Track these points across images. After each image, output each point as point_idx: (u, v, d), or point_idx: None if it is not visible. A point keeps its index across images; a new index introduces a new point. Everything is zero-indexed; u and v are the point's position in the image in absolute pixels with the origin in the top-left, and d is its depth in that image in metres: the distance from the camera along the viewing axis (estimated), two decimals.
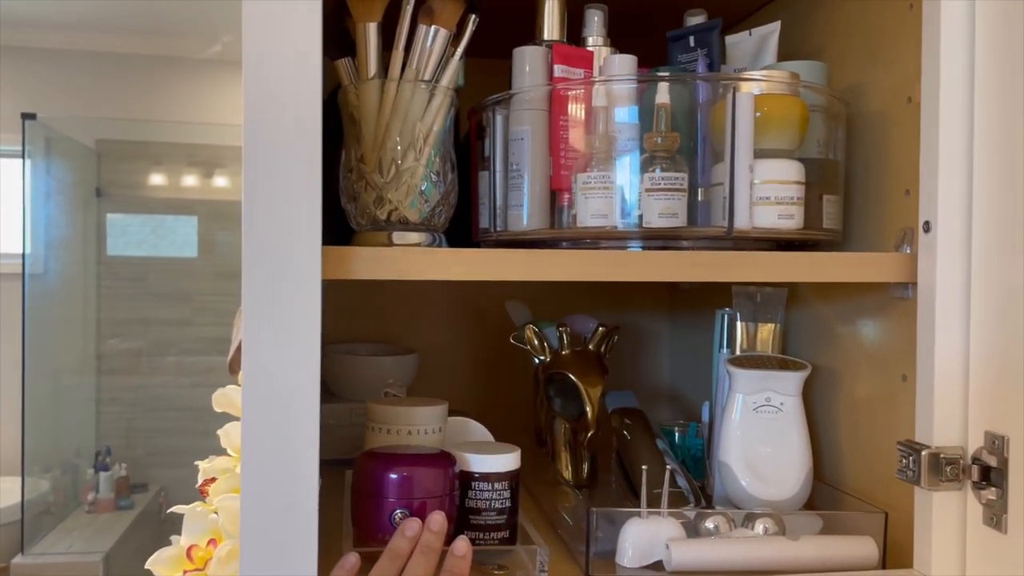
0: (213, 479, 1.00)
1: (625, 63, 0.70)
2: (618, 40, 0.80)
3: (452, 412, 0.85)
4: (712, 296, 0.88)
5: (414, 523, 0.59)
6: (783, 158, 0.67)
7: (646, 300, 1.19)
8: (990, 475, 0.60)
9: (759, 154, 0.66)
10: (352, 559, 0.58)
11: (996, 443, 0.60)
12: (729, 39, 0.81)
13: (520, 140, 0.72)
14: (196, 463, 1.01)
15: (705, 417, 0.93)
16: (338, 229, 0.74)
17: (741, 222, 0.65)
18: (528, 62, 0.72)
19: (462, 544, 0.59)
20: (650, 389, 1.18)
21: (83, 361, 3.65)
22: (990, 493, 0.60)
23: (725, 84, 0.66)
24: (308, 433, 0.55)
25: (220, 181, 3.87)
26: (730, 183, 0.65)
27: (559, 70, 0.70)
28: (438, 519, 0.60)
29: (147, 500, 3.50)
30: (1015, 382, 0.58)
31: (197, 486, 1.02)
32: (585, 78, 0.71)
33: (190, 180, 3.99)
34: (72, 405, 3.59)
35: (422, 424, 0.74)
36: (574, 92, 0.69)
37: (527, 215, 0.72)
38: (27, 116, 3.22)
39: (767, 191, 0.66)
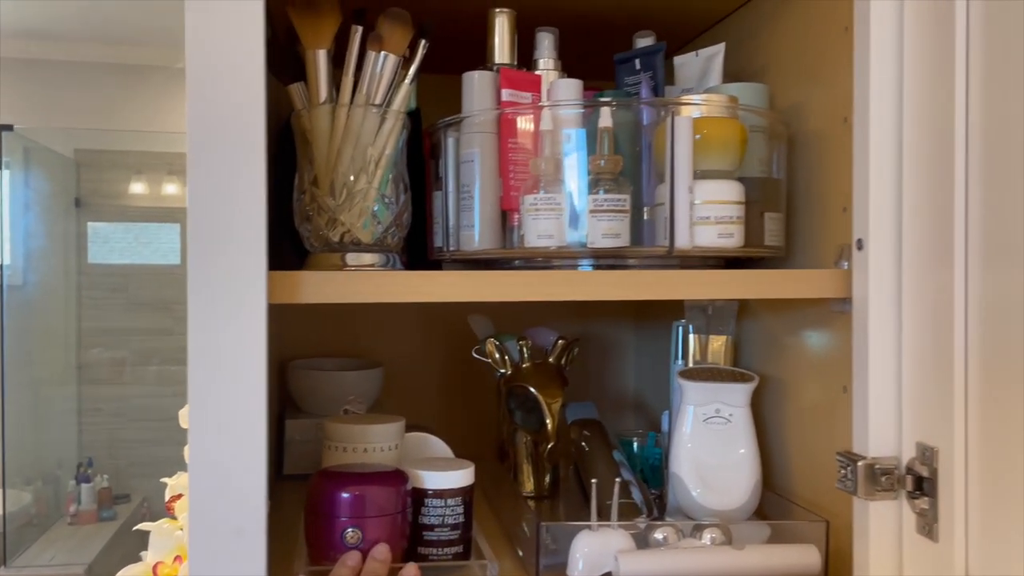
0: (180, 495, 1.01)
1: (571, 87, 0.71)
2: (572, 59, 0.82)
3: (414, 427, 0.87)
4: (675, 306, 0.90)
5: (355, 555, 0.61)
6: (723, 179, 0.69)
7: (612, 310, 1.21)
8: (923, 485, 0.62)
9: (700, 175, 0.68)
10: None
11: (927, 454, 0.62)
12: (677, 60, 0.83)
13: (470, 162, 0.73)
14: (162, 480, 1.02)
15: (665, 426, 0.95)
16: (302, 250, 0.75)
17: (681, 241, 0.67)
18: (476, 86, 0.74)
19: (410, 571, 0.61)
20: (616, 398, 1.20)
21: (64, 371, 3.65)
22: (923, 503, 0.62)
23: (665, 108, 0.68)
24: (255, 458, 0.56)
25: None
26: (670, 204, 0.67)
27: (507, 94, 0.72)
28: (382, 549, 0.62)
29: (130, 511, 3.49)
30: (942, 394, 0.60)
31: (165, 502, 1.03)
32: (532, 102, 0.72)
33: (171, 188, 3.99)
34: (53, 416, 3.58)
35: (377, 442, 0.75)
36: (521, 116, 0.71)
37: (478, 235, 0.74)
38: (4, 127, 3.21)
39: (707, 211, 0.67)
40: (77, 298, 3.69)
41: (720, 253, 0.69)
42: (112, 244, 3.88)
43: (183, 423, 0.98)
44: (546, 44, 0.79)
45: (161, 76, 3.51)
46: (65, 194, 3.64)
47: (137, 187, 3.93)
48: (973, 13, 0.58)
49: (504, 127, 0.72)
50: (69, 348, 3.67)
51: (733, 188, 0.69)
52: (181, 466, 1.02)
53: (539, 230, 0.69)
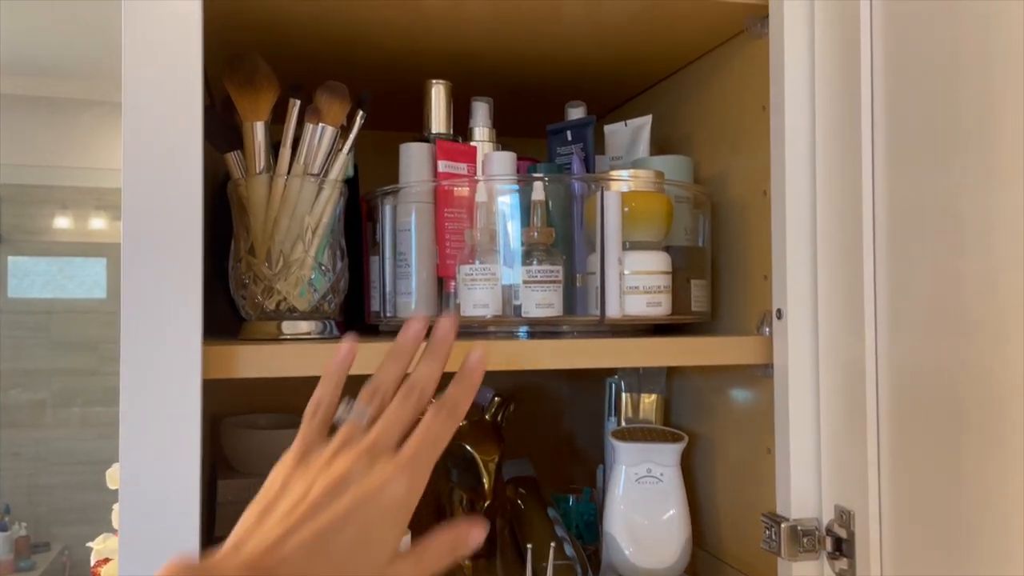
0: (107, 560, 0.98)
1: (505, 161, 0.74)
2: (507, 119, 0.85)
3: None
4: None
5: (416, 322, 0.53)
6: (651, 249, 0.72)
7: None
8: (842, 546, 0.65)
9: (629, 246, 0.71)
10: (346, 348, 0.53)
11: (844, 517, 0.65)
12: (607, 128, 0.86)
13: (407, 231, 0.75)
14: (88, 544, 0.99)
15: (600, 481, 0.97)
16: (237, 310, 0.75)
17: (612, 311, 0.70)
18: (414, 157, 0.75)
19: (477, 352, 0.51)
20: (553, 451, 1.21)
21: None
22: (842, 563, 0.65)
23: (596, 182, 0.71)
24: (188, 526, 0.56)
25: None
26: (601, 274, 0.69)
27: (443, 165, 0.74)
28: (446, 324, 0.53)
29: (49, 560, 3.34)
30: (857, 459, 0.64)
31: (91, 567, 1.00)
32: (468, 173, 0.74)
33: (99, 223, 3.89)
34: None
35: None
36: (457, 187, 0.73)
37: (415, 302, 0.75)
38: None
39: (636, 281, 0.70)
40: None
41: (649, 321, 0.72)
42: (33, 278, 3.76)
43: (111, 484, 0.96)
44: (481, 113, 0.81)
45: (90, 110, 3.44)
46: None
47: (62, 222, 3.83)
48: (878, 99, 0.62)
49: (440, 198, 0.73)
50: None
51: (660, 258, 0.72)
52: (104, 511, 0.99)
53: (475, 300, 0.71)
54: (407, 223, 0.75)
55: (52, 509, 3.61)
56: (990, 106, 0.53)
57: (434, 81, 0.80)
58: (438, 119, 0.80)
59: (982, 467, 0.54)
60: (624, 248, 0.71)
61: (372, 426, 0.49)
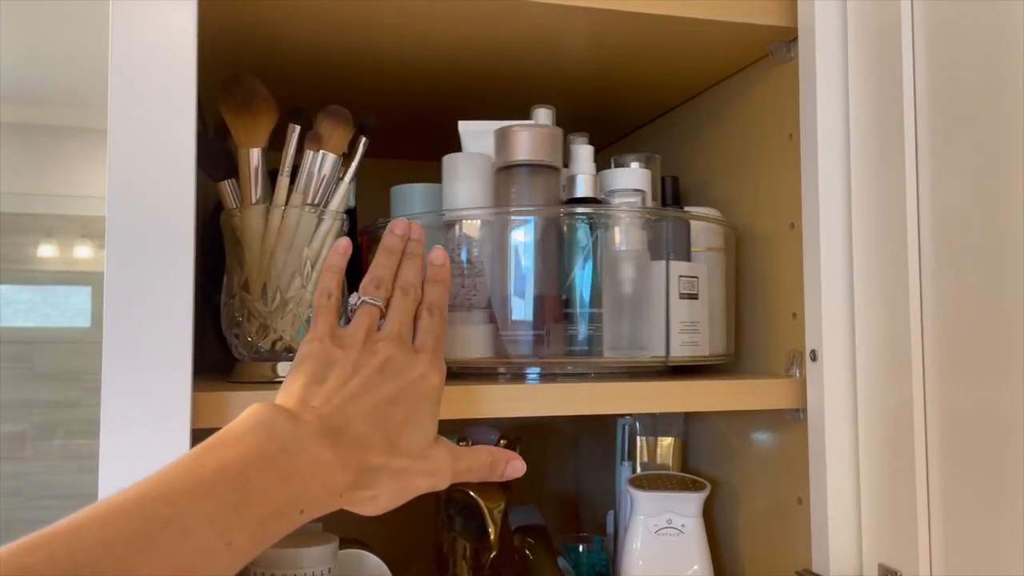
0: None
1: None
2: None
3: (349, 542, 0.81)
4: None
5: (400, 223, 0.59)
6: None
7: None
8: None
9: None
10: (344, 243, 0.59)
11: None
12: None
13: None
14: None
15: (610, 528, 0.92)
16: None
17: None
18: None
19: (438, 253, 0.59)
20: (557, 495, 1.15)
21: None
22: None
23: None
24: None
25: None
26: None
27: None
28: (417, 227, 0.60)
29: None
30: (903, 514, 0.59)
31: None
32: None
33: (83, 251, 3.83)
34: None
35: (309, 567, 0.69)
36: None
37: None
38: None
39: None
40: None
41: (679, 362, 0.67)
42: (16, 307, 3.69)
43: None
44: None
45: (75, 138, 3.39)
46: None
47: (47, 250, 3.78)
48: (922, 123, 0.58)
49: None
50: None
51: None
52: None
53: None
54: None
55: None
56: None
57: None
58: None
59: None
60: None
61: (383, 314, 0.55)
